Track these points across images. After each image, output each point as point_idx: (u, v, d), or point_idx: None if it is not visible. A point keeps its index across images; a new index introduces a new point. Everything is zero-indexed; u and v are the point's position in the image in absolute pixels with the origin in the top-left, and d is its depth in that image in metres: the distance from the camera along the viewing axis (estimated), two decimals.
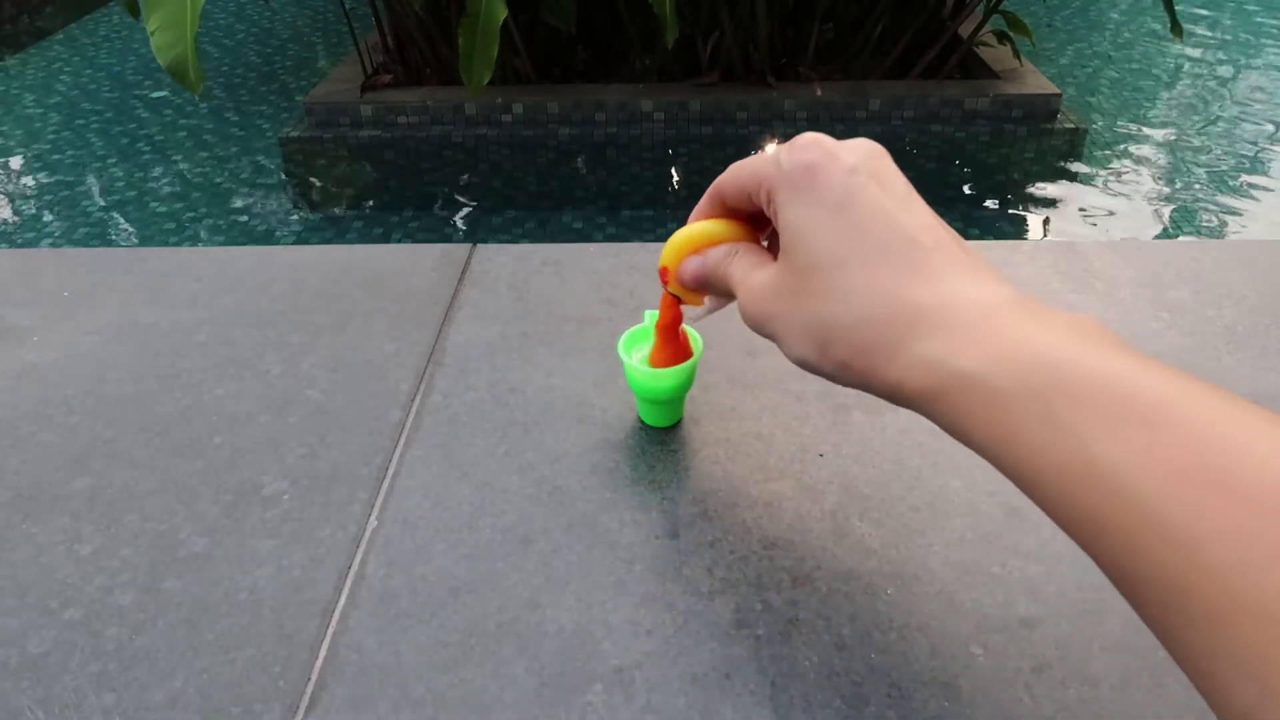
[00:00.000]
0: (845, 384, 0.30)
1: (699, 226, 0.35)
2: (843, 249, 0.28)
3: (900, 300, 0.27)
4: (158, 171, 2.47)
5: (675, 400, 0.46)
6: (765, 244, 0.36)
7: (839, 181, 0.28)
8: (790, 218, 0.29)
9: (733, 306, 0.35)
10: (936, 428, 0.27)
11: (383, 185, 2.55)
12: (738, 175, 0.33)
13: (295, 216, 2.30)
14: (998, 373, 0.24)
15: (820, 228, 0.29)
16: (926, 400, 0.27)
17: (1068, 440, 0.23)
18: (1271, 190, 2.29)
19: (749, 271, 0.32)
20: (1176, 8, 2.47)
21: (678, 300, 0.39)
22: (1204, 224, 2.17)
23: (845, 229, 0.28)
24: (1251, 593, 0.19)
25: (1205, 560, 0.20)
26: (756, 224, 0.36)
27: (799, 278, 0.29)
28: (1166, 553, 0.21)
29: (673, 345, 0.44)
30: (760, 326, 0.32)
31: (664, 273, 0.37)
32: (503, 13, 2.03)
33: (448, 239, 2.19)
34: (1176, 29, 2.47)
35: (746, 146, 2.55)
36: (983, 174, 2.49)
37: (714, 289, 0.35)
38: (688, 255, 0.36)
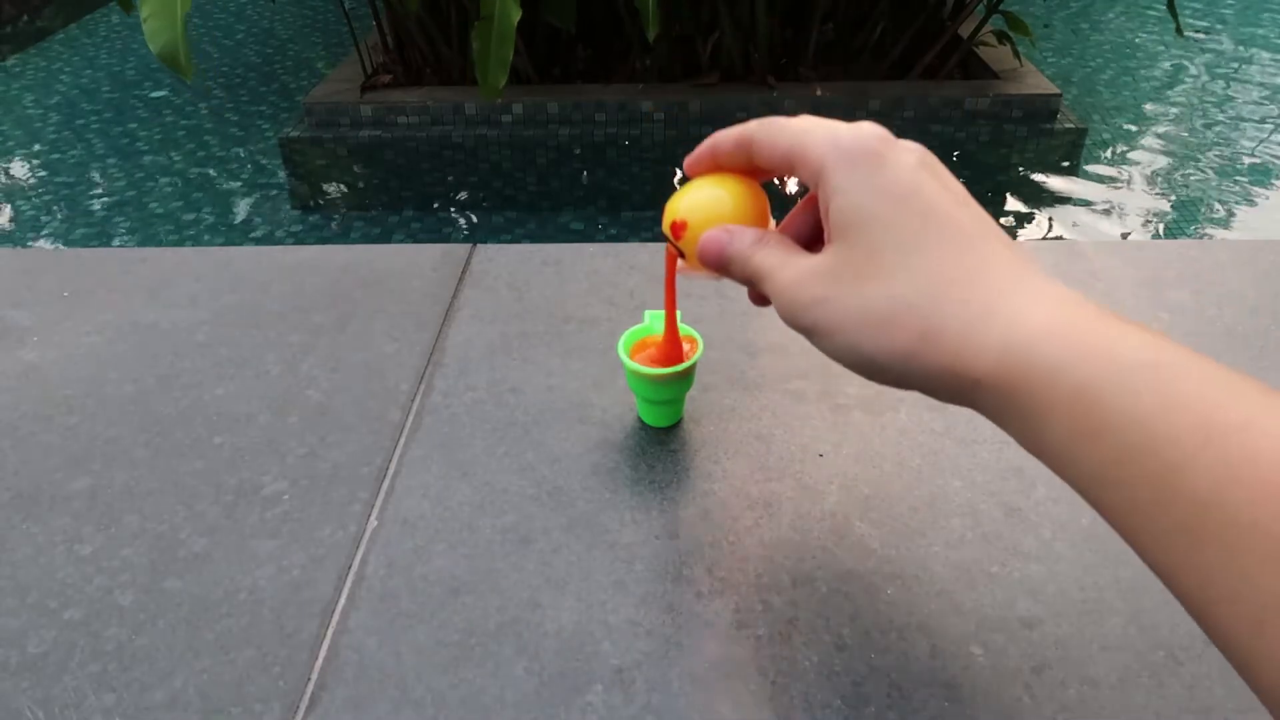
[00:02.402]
0: (889, 374, 0.28)
1: (727, 193, 0.33)
2: (911, 238, 0.28)
3: (977, 289, 0.27)
4: (157, 172, 2.47)
5: (675, 400, 0.46)
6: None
7: (906, 172, 0.28)
8: (853, 198, 0.29)
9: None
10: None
11: (383, 185, 2.55)
12: (780, 135, 0.31)
13: (295, 216, 2.30)
14: (1084, 368, 0.24)
15: (887, 213, 0.28)
16: (998, 389, 0.26)
17: (1155, 445, 0.22)
18: (1271, 190, 2.29)
19: (784, 261, 0.31)
20: (1178, 6, 2.47)
21: (679, 255, 0.34)
22: (1204, 224, 2.17)
23: (912, 218, 0.28)
24: None
25: None
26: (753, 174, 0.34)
27: (860, 259, 0.29)
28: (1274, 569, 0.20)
29: (673, 345, 0.44)
30: (804, 313, 0.30)
31: (679, 229, 0.32)
32: (517, 14, 2.02)
33: (448, 239, 2.19)
34: (1178, 28, 2.47)
35: None
36: (983, 174, 2.49)
37: (733, 274, 0.33)
38: (712, 224, 0.32)
